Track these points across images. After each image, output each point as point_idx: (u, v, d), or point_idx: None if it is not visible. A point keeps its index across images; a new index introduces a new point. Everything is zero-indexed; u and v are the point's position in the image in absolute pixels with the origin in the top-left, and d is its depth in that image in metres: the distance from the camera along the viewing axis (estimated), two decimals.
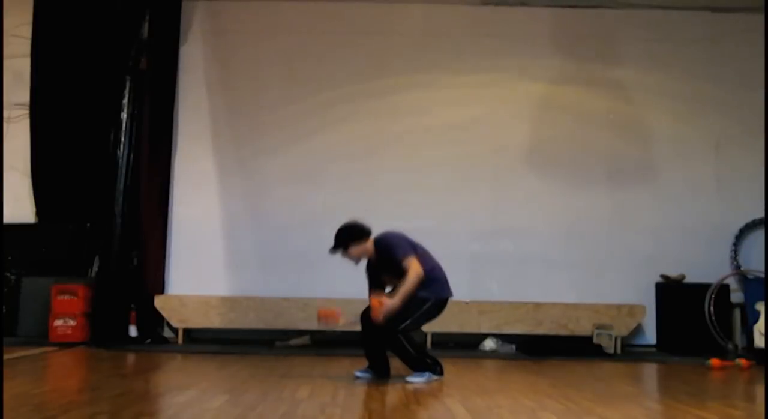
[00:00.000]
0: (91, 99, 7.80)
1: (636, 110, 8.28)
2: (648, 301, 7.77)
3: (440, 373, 5.12)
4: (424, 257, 5.08)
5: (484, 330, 7.57)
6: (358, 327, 5.17)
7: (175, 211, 8.13)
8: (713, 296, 7.51)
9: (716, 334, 7.37)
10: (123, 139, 7.69)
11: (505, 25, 8.31)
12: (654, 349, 7.75)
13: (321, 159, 8.18)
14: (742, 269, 7.89)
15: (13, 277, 7.71)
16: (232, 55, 8.35)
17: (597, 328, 7.42)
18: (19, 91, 7.96)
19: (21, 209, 7.92)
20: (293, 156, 8.18)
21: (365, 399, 4.38)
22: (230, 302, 7.77)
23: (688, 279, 7.73)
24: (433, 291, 5.07)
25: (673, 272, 7.79)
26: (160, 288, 7.89)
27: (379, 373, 5.12)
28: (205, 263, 8.02)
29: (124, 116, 7.70)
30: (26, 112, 7.98)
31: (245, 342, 7.50)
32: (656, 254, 7.95)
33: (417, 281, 4.90)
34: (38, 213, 8.01)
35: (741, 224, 7.99)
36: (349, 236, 5.08)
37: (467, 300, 7.48)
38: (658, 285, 7.82)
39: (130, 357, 6.46)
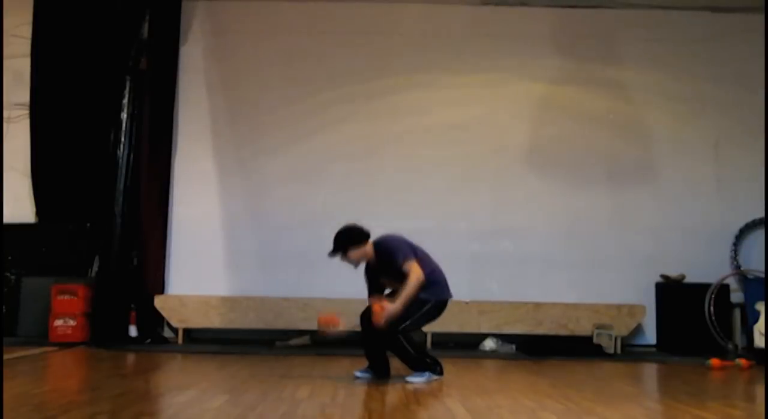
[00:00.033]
0: (91, 99, 7.80)
1: (636, 109, 8.28)
2: (648, 301, 7.78)
3: (440, 373, 5.12)
4: (424, 260, 5.09)
5: (484, 330, 7.57)
6: (358, 329, 5.17)
7: (175, 211, 8.13)
8: (713, 296, 7.51)
9: (716, 334, 7.37)
10: (123, 139, 7.70)
11: (505, 25, 8.31)
12: (654, 349, 7.75)
13: (321, 159, 8.18)
14: (742, 269, 7.89)
15: (13, 277, 7.72)
16: (232, 55, 8.35)
17: (597, 328, 7.42)
18: (19, 91, 7.96)
19: (21, 209, 7.92)
20: (293, 156, 8.18)
21: (365, 399, 4.37)
22: (230, 302, 7.77)
23: (688, 279, 7.74)
24: (434, 293, 5.07)
25: (673, 272, 7.80)
26: (160, 288, 7.89)
27: (379, 373, 5.13)
28: (205, 263, 8.02)
29: (124, 116, 7.70)
30: (26, 112, 7.98)
31: (245, 342, 7.50)
32: (656, 254, 7.95)
33: (418, 285, 4.91)
34: (38, 213, 8.01)
35: (741, 224, 7.99)
36: (348, 240, 5.07)
37: (467, 300, 7.48)
38: (658, 285, 7.83)
39: (130, 357, 6.46)
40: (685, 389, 5.08)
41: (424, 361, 5.10)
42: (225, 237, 8.11)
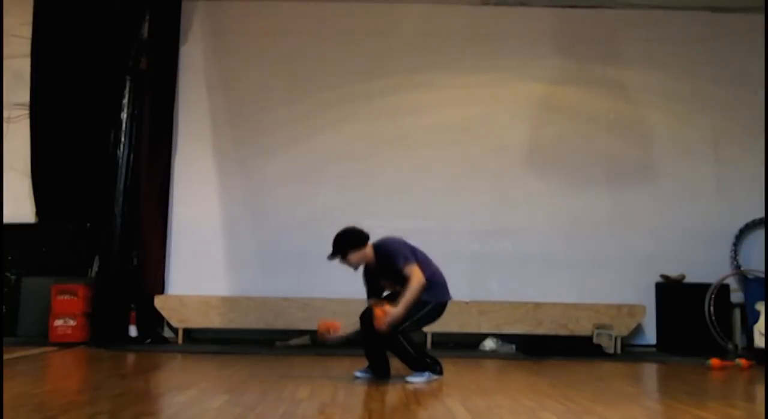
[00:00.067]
0: (91, 99, 7.80)
1: (636, 109, 8.29)
2: (648, 301, 7.77)
3: (440, 373, 5.12)
4: (424, 262, 5.10)
5: (484, 330, 7.57)
6: (359, 331, 5.17)
7: (175, 211, 8.13)
8: (713, 296, 7.51)
9: (716, 334, 7.37)
10: (123, 139, 7.70)
11: (505, 25, 8.31)
12: (654, 349, 7.75)
13: (321, 159, 8.18)
14: (742, 269, 7.89)
15: (13, 277, 7.72)
16: (232, 55, 8.35)
17: (597, 328, 7.42)
18: (19, 91, 7.96)
19: (21, 209, 7.92)
20: (293, 156, 8.18)
21: (365, 399, 4.37)
22: (230, 302, 7.77)
23: (688, 279, 7.73)
24: (434, 295, 5.08)
25: (673, 272, 7.80)
26: (160, 288, 7.89)
27: (379, 373, 5.13)
28: (205, 263, 8.02)
29: (124, 116, 7.70)
30: (26, 112, 7.99)
31: (245, 342, 7.50)
32: (656, 254, 7.95)
33: (420, 289, 4.92)
34: (38, 213, 8.01)
35: (741, 224, 7.98)
36: (347, 243, 5.07)
37: (467, 300, 7.48)
38: (658, 285, 7.83)
39: (130, 357, 6.46)
40: (685, 389, 5.08)
41: (424, 361, 5.10)
42: (225, 237, 8.11)
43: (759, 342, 6.80)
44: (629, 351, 7.59)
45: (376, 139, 8.21)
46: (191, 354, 6.81)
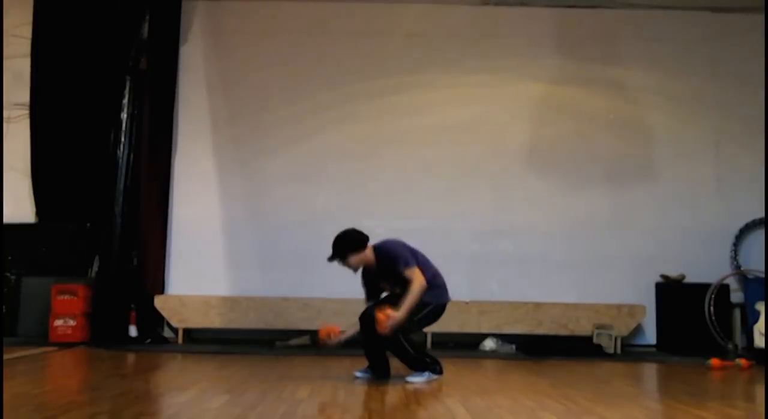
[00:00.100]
0: (91, 99, 7.80)
1: (636, 109, 8.29)
2: (648, 301, 7.77)
3: (440, 372, 5.13)
4: (424, 265, 5.11)
5: (484, 330, 7.57)
6: (358, 334, 5.18)
7: (175, 211, 8.13)
8: (713, 296, 7.51)
9: (716, 334, 7.37)
10: (123, 139, 7.70)
11: (505, 25, 8.31)
12: (654, 349, 7.75)
13: (321, 159, 8.18)
14: (742, 269, 7.89)
15: (13, 277, 7.72)
16: (232, 55, 8.35)
17: (597, 328, 7.42)
18: (19, 91, 7.96)
19: (21, 209, 7.92)
20: (293, 156, 8.18)
21: (365, 399, 4.37)
22: (230, 302, 7.77)
23: (688, 279, 7.73)
24: (434, 297, 5.09)
25: (673, 272, 7.80)
26: (160, 288, 7.89)
27: (379, 373, 5.13)
28: (205, 263, 8.01)
29: (124, 116, 7.70)
30: (26, 112, 7.98)
31: (245, 342, 7.50)
32: (656, 254, 7.95)
33: (421, 292, 4.93)
34: (38, 213, 8.01)
35: (741, 224, 7.98)
36: (347, 246, 5.07)
37: (467, 300, 7.48)
38: (658, 285, 7.83)
39: (130, 357, 6.46)
40: (685, 389, 5.08)
41: (424, 361, 5.11)
42: (225, 237, 8.11)
43: (759, 342, 6.80)
44: (629, 351, 7.59)
45: (376, 139, 8.21)
46: (191, 354, 6.81)
